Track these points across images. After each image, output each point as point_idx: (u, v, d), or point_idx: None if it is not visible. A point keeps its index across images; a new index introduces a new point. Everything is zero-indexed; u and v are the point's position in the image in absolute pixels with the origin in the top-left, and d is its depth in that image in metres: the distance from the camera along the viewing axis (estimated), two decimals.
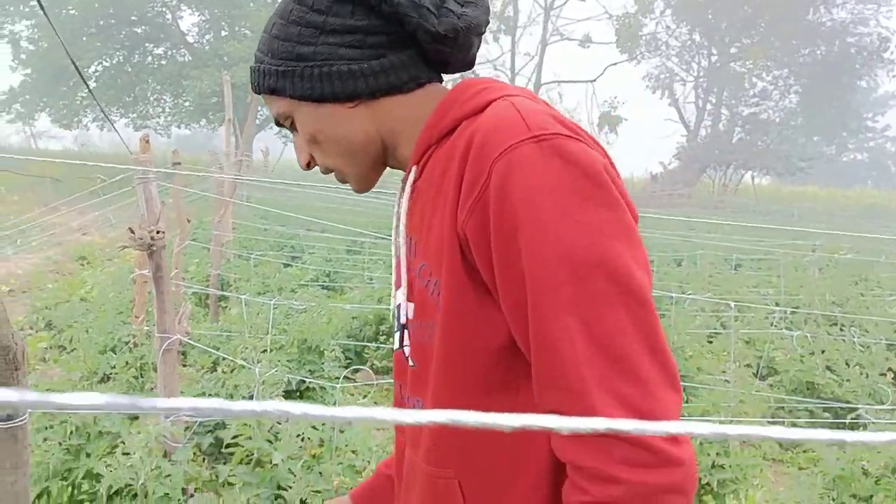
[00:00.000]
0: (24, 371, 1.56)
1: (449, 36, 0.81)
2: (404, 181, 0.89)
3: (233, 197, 6.94)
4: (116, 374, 3.90)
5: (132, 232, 2.46)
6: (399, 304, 0.90)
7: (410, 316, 0.87)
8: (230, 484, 2.65)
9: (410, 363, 0.88)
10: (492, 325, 0.77)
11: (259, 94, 0.87)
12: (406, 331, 0.89)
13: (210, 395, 3.64)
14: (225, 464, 2.79)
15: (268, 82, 0.84)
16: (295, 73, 0.81)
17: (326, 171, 0.91)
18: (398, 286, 0.91)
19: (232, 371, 3.91)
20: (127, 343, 4.49)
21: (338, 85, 0.81)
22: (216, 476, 2.73)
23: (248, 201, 11.19)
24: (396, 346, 0.93)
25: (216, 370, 4.10)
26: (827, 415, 4.03)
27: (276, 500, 2.56)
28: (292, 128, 0.88)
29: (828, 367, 4.49)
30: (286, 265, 7.58)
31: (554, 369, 0.71)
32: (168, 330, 2.66)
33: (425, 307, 0.84)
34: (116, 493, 2.54)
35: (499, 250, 0.73)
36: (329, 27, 0.80)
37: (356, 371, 3.59)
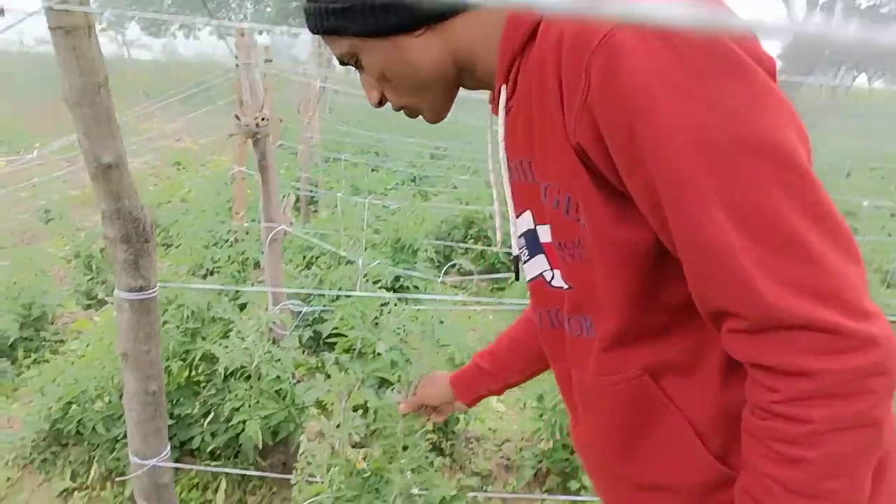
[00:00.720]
0: (154, 243, 1.59)
1: None
2: (494, 102, 0.82)
3: (319, 101, 6.92)
4: (220, 267, 4.05)
5: (238, 118, 2.44)
6: (525, 232, 0.86)
7: (548, 239, 0.82)
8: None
9: (566, 286, 0.83)
10: (640, 227, 0.70)
11: (318, 34, 0.80)
12: (544, 255, 0.85)
13: (312, 285, 3.74)
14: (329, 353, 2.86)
15: (327, 23, 0.77)
16: (354, 8, 0.74)
17: (398, 108, 0.86)
18: (518, 211, 0.86)
19: (328, 269, 3.98)
20: (227, 240, 4.64)
21: (402, 14, 0.74)
22: (322, 363, 2.81)
23: (329, 108, 11.18)
24: (531, 276, 0.90)
25: (310, 268, 4.20)
26: None
27: (380, 385, 2.62)
28: (358, 66, 0.82)
29: None
30: (373, 169, 7.59)
31: (714, 269, 0.63)
32: (273, 219, 2.68)
33: (565, 227, 0.78)
34: (231, 374, 2.66)
35: (620, 154, 0.66)
36: None
37: (453, 266, 3.57)
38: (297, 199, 6.27)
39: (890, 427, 0.64)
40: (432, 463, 1.70)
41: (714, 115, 0.60)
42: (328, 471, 1.78)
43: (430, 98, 0.83)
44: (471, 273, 4.27)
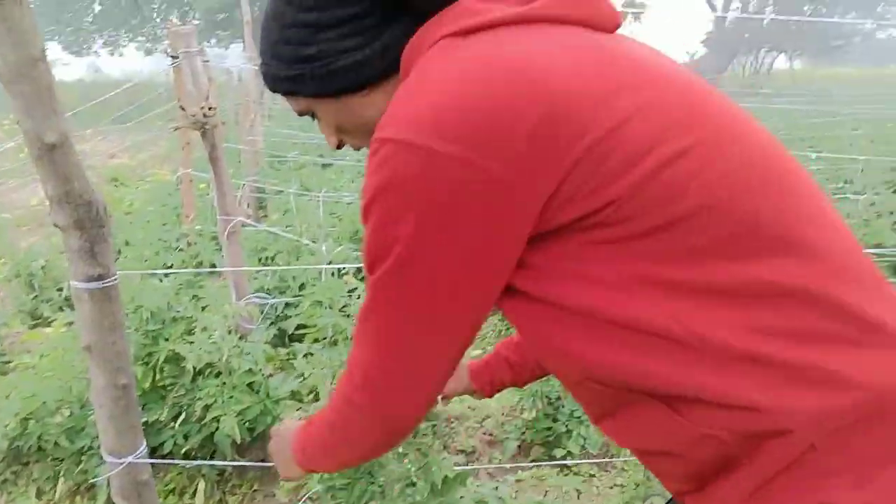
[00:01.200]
0: (109, 229, 1.50)
1: None
2: None
3: (260, 104, 6.76)
4: (174, 274, 3.90)
5: (183, 109, 2.34)
6: None
7: None
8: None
9: None
10: None
11: (274, 93, 0.88)
12: None
13: (271, 285, 3.64)
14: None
15: (282, 86, 0.85)
16: (304, 75, 0.81)
17: (358, 149, 0.92)
18: None
19: (287, 264, 3.89)
20: (178, 247, 4.49)
21: (347, 78, 0.81)
22: (293, 354, 2.73)
23: (269, 115, 10.98)
24: None
25: (269, 264, 4.09)
26: None
27: None
28: (315, 117, 0.89)
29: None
30: (323, 166, 7.47)
31: None
32: (230, 212, 2.59)
33: None
34: (199, 372, 2.56)
35: None
36: (323, 23, 0.79)
37: None
38: (248, 205, 6.13)
39: None
40: (431, 445, 1.65)
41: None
42: None
43: None
44: None
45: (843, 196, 4.93)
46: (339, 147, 0.92)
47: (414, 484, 1.60)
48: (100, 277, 1.49)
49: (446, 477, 1.62)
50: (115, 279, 1.52)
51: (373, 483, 1.66)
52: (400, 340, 0.77)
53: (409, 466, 1.64)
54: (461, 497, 1.63)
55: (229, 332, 2.49)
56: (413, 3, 0.77)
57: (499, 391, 1.28)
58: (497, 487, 1.69)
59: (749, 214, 0.68)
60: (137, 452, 1.62)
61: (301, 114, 0.89)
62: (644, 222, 0.67)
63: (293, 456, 1.01)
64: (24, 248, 4.95)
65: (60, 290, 4.55)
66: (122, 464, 1.60)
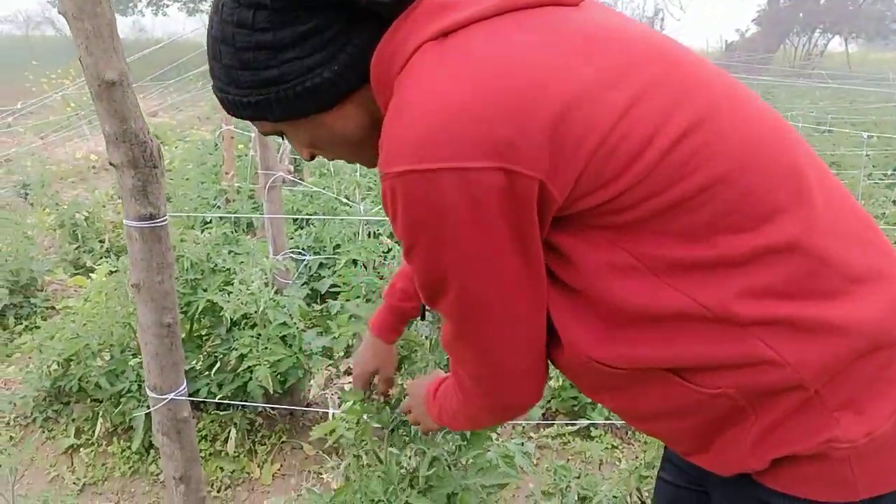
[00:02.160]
0: (162, 170, 1.53)
1: None
2: None
3: None
4: (211, 228, 3.98)
5: None
6: None
7: None
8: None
9: None
10: None
11: (239, 118, 0.81)
12: None
13: (306, 245, 3.69)
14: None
15: (245, 113, 0.78)
16: (270, 100, 0.74)
17: (332, 160, 0.93)
18: None
19: (324, 226, 3.93)
20: (216, 204, 4.56)
21: (317, 98, 0.74)
22: (328, 311, 2.78)
23: None
24: None
25: (303, 228, 4.14)
26: None
27: None
28: (286, 137, 0.85)
29: None
30: None
31: None
32: (271, 167, 2.62)
33: None
34: (235, 323, 2.62)
35: None
36: (282, 42, 0.71)
37: None
38: (289, 161, 6.18)
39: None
40: None
41: None
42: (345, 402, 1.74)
43: (362, 154, 0.84)
44: None
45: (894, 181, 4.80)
46: (312, 159, 0.88)
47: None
48: (151, 217, 1.53)
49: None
50: (165, 220, 1.56)
51: (406, 433, 1.69)
52: (492, 347, 0.79)
53: None
54: (488, 450, 1.66)
55: (266, 286, 2.54)
56: (377, 8, 0.71)
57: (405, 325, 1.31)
58: (523, 444, 1.71)
59: (749, 185, 0.69)
60: (179, 390, 1.68)
61: (267, 135, 0.84)
62: (653, 204, 0.69)
63: (431, 417, 1.05)
64: (67, 200, 5.09)
65: (102, 241, 4.68)
66: (164, 400, 1.66)
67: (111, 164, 1.50)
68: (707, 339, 0.72)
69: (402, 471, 1.60)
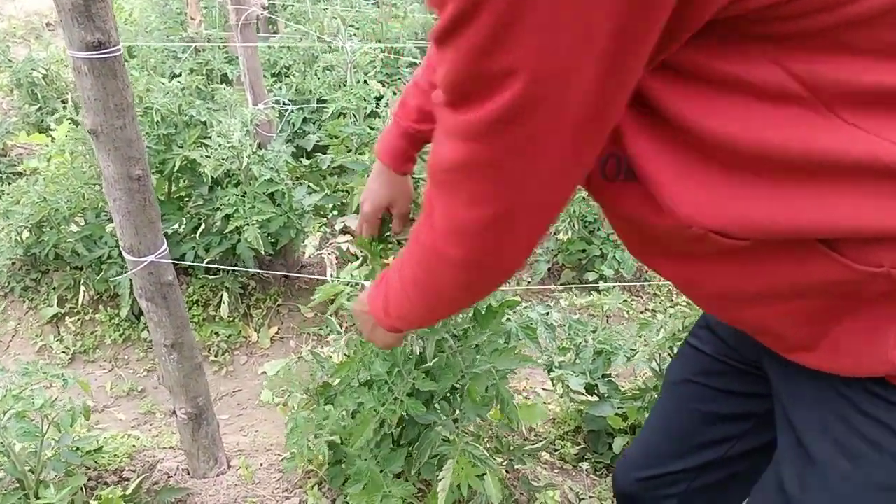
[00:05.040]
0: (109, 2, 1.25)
1: None
2: None
3: None
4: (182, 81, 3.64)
5: None
6: None
7: None
8: (334, 172, 2.48)
9: None
10: None
11: None
12: None
13: (286, 98, 3.38)
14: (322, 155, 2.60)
15: None
16: None
17: None
18: None
19: (304, 76, 3.60)
20: (184, 52, 4.16)
21: None
22: (317, 165, 2.56)
23: None
24: None
25: (282, 80, 3.80)
26: None
27: None
28: None
29: None
30: None
31: None
32: (242, 2, 2.28)
33: None
34: (216, 182, 2.40)
35: None
36: None
37: None
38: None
39: None
40: None
41: None
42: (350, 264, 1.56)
43: None
44: None
45: None
46: None
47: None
48: (100, 45, 1.26)
49: (489, 307, 1.45)
50: (118, 50, 1.29)
51: None
52: (526, 179, 0.55)
53: None
54: (507, 320, 1.51)
55: (247, 138, 2.30)
56: None
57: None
58: (548, 313, 1.57)
59: None
60: (159, 252, 1.49)
61: None
62: (838, 13, 0.47)
63: (377, 321, 0.84)
64: (19, 58, 4.64)
65: (65, 102, 4.32)
66: (142, 263, 1.47)
67: None
68: (887, 201, 0.53)
69: (408, 350, 1.46)
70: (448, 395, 1.44)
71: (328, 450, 1.52)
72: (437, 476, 1.36)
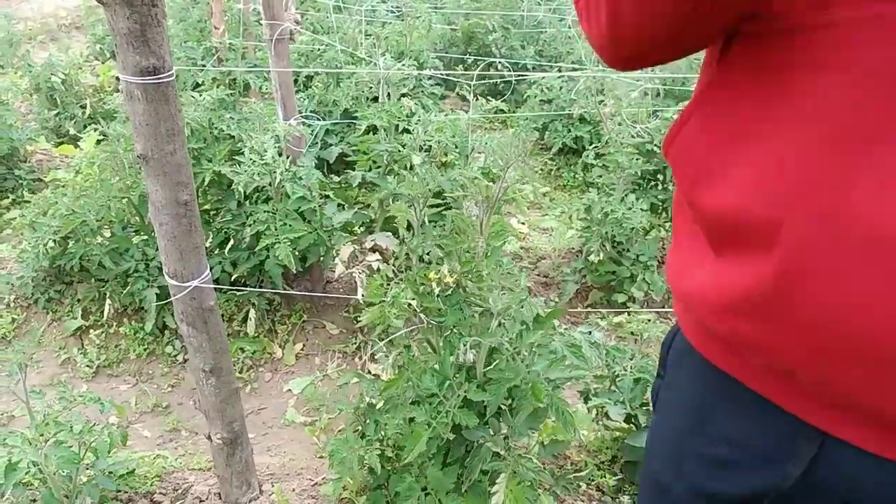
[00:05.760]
0: (163, 10, 1.23)
1: None
2: None
3: None
4: (205, 89, 3.62)
5: None
6: None
7: None
8: (362, 188, 2.45)
9: None
10: None
11: None
12: None
13: (310, 110, 3.36)
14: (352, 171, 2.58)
15: None
16: None
17: None
18: None
19: (327, 88, 3.58)
20: (204, 60, 4.14)
21: None
22: (347, 182, 2.53)
23: None
24: None
25: (307, 89, 3.77)
26: None
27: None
28: None
29: None
30: None
31: None
32: (276, 17, 2.26)
33: None
34: (246, 197, 2.38)
35: None
36: None
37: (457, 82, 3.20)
38: (296, 8, 5.64)
39: None
40: (517, 282, 1.46)
41: None
42: (390, 291, 1.53)
43: None
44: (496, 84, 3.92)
45: None
46: None
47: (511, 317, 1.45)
48: (154, 71, 1.24)
49: (538, 315, 1.46)
50: (172, 75, 1.27)
51: (463, 319, 1.51)
52: None
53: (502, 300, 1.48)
54: (552, 339, 1.49)
55: (280, 155, 2.28)
56: None
57: None
58: (591, 332, 1.55)
59: None
60: (203, 277, 1.47)
61: None
62: None
63: None
64: (39, 61, 4.63)
65: (84, 106, 4.30)
66: (187, 288, 1.45)
67: (100, 2, 1.19)
68: None
69: (459, 362, 1.44)
70: (500, 407, 1.42)
71: (370, 474, 1.49)
72: (491, 490, 1.34)
